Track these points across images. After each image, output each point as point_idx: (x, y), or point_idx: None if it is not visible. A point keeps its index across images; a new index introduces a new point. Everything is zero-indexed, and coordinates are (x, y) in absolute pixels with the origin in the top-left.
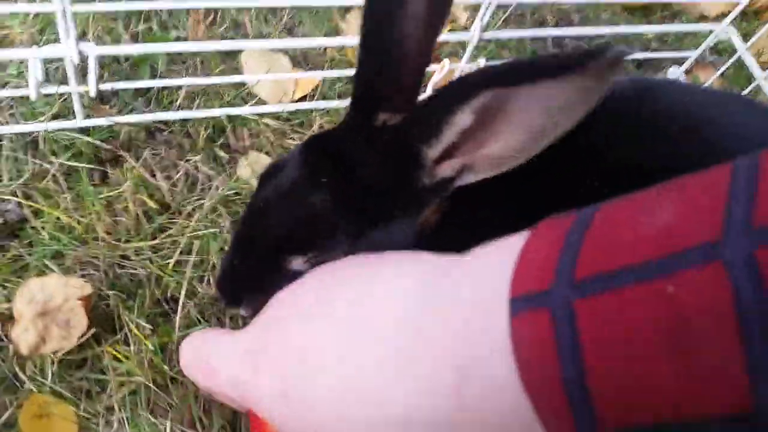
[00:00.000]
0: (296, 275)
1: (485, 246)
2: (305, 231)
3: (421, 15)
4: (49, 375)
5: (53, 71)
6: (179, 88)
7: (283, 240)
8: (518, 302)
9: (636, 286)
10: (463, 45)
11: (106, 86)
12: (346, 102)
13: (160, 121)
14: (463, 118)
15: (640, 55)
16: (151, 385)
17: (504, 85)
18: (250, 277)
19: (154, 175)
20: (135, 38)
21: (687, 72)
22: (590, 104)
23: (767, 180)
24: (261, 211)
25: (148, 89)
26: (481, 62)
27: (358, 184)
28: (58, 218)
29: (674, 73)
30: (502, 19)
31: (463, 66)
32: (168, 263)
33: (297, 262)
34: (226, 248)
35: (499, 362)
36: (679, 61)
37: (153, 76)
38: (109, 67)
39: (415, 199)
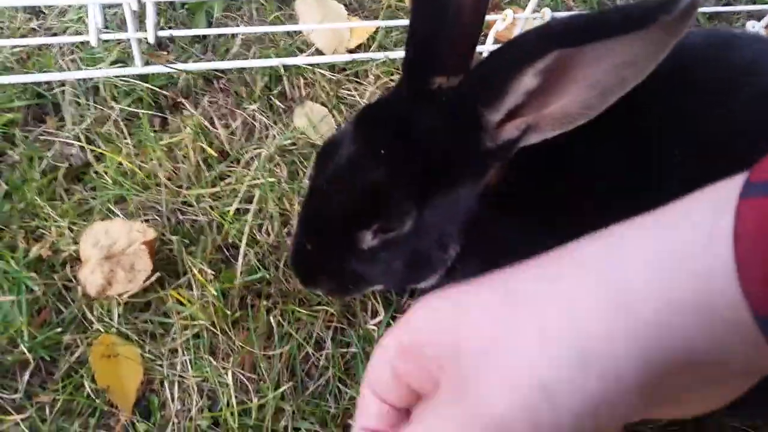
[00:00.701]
0: (368, 252)
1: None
2: (370, 205)
3: None
4: (116, 317)
5: (111, 17)
6: (235, 35)
7: (350, 217)
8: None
9: None
10: None
11: (164, 33)
12: (401, 53)
13: (218, 69)
14: (528, 79)
15: (712, 9)
16: (213, 328)
17: (571, 44)
18: (322, 257)
19: (212, 123)
20: None
21: (766, 27)
22: (659, 58)
23: None
24: (324, 192)
25: (205, 36)
26: (546, 12)
27: (418, 151)
28: (120, 163)
29: (753, 27)
30: None
31: (527, 15)
32: (228, 211)
33: (367, 239)
34: (279, 200)
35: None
36: (757, 15)
37: (209, 24)
38: (166, 13)
39: (479, 162)
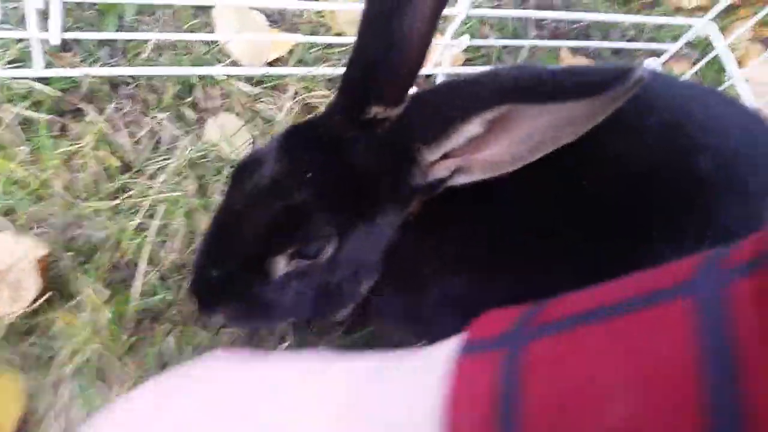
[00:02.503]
0: (280, 280)
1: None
2: (289, 228)
3: (428, 6)
4: None
5: (11, 11)
6: (147, 40)
7: (266, 240)
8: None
9: None
10: (445, 19)
11: (70, 35)
12: (322, 69)
13: (126, 75)
14: (473, 127)
15: (617, 45)
16: (107, 352)
17: (525, 101)
18: (227, 283)
19: (116, 131)
20: None
21: (662, 64)
22: (597, 121)
23: None
24: (239, 211)
25: (114, 39)
26: (464, 39)
27: (347, 177)
28: (12, 171)
29: (652, 64)
30: None
31: (447, 42)
32: (128, 226)
33: (280, 265)
34: (184, 216)
35: None
36: (656, 53)
37: (119, 27)
38: (72, 12)
39: (405, 195)
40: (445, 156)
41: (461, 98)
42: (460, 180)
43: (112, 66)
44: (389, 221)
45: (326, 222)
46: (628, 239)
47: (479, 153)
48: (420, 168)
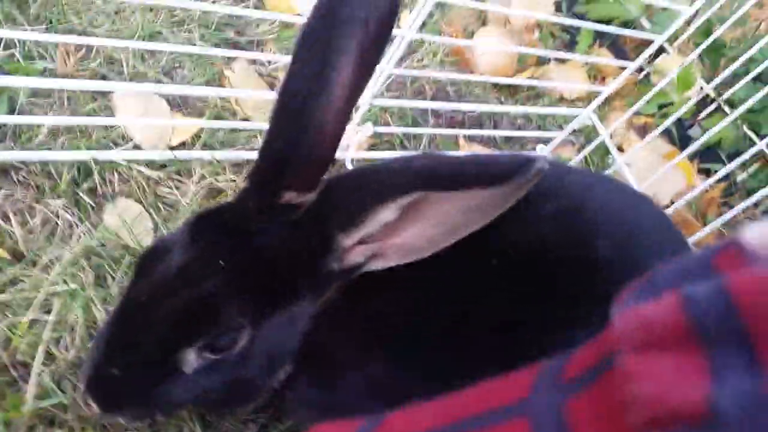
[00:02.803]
0: (188, 376)
1: None
2: (199, 319)
3: (343, 97)
4: None
5: None
6: (41, 125)
7: (174, 333)
8: None
9: None
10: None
11: None
12: (229, 153)
13: (17, 160)
14: (388, 213)
15: (507, 132)
16: None
17: (437, 189)
18: (132, 381)
19: (7, 220)
20: None
21: (551, 151)
22: (504, 207)
23: None
24: (143, 303)
25: (3, 123)
26: (369, 126)
27: (258, 265)
28: None
29: (542, 151)
30: (384, 84)
31: (353, 128)
32: (20, 322)
33: (189, 359)
34: (80, 309)
35: None
36: (543, 140)
37: (11, 110)
38: None
39: (320, 282)
40: (361, 242)
41: (375, 184)
42: (376, 265)
43: (2, 150)
44: (305, 308)
45: (238, 312)
46: (537, 323)
47: (394, 238)
48: (335, 254)
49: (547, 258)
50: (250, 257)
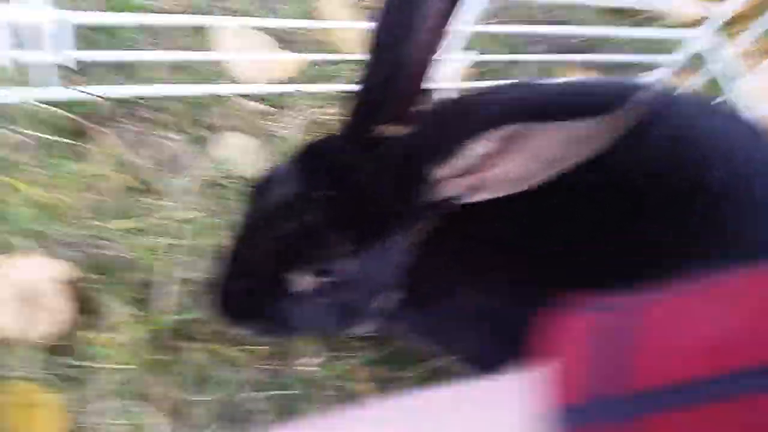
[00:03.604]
0: (302, 296)
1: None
2: (308, 248)
3: (434, 26)
4: (34, 362)
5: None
6: (157, 62)
7: (286, 258)
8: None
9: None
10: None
11: (85, 55)
12: (333, 86)
13: (140, 96)
14: (484, 145)
15: (619, 57)
16: (147, 372)
17: (534, 121)
18: (252, 298)
19: (136, 153)
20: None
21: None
22: (608, 140)
23: None
24: (258, 229)
25: (123, 64)
26: (472, 54)
27: (357, 198)
28: (36, 195)
29: (652, 79)
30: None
31: (456, 57)
32: (155, 246)
33: (300, 281)
34: (208, 235)
35: None
36: (650, 67)
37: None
38: (82, 36)
39: (417, 214)
40: (456, 174)
41: (470, 116)
42: (473, 198)
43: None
44: (404, 238)
45: (341, 241)
46: (648, 256)
47: (491, 171)
48: (429, 186)
49: (656, 188)
50: (348, 191)
